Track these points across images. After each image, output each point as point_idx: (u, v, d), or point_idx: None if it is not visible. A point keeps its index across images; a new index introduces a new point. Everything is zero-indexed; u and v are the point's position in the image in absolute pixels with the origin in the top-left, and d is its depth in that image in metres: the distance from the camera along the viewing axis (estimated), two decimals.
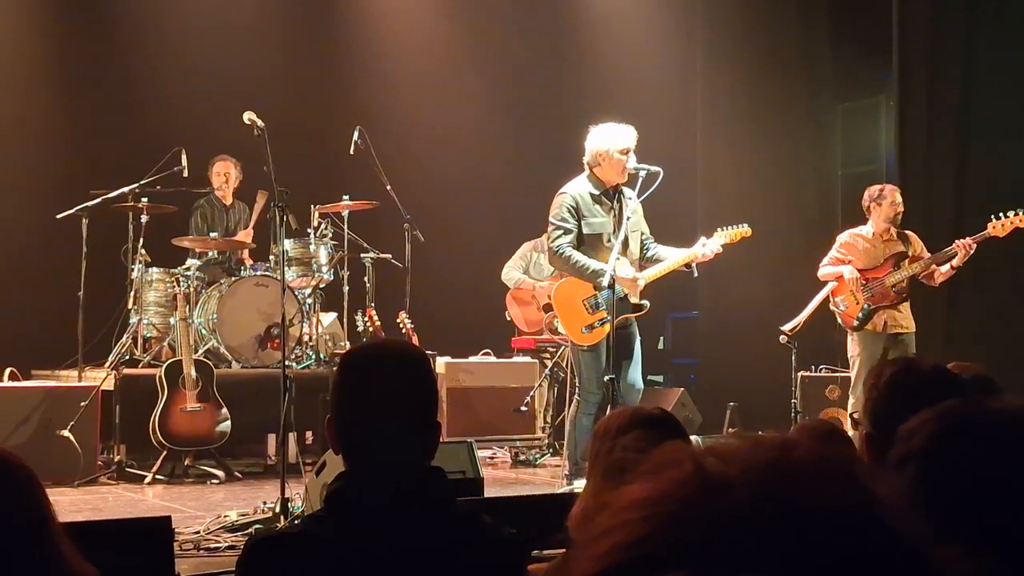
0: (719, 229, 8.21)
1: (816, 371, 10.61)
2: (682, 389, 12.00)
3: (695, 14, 13.77)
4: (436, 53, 13.69)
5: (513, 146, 13.60)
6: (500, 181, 13.30)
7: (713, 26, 13.59)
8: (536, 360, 11.26)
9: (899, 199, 9.25)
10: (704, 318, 13.68)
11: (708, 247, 8.03)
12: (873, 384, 3.07)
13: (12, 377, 9.53)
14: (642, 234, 8.10)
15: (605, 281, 7.62)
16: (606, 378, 7.62)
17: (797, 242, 12.60)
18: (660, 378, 14.10)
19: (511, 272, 11.40)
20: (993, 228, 8.84)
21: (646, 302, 7.98)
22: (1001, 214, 8.85)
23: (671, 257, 8.05)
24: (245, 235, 11.00)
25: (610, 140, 7.87)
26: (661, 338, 14.50)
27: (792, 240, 12.59)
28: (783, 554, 0.81)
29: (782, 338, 9.30)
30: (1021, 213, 8.80)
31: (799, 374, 9.75)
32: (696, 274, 8.22)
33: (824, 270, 9.45)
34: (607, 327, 7.72)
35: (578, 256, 7.77)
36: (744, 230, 8.26)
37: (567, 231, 7.80)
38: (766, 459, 0.87)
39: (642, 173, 7.83)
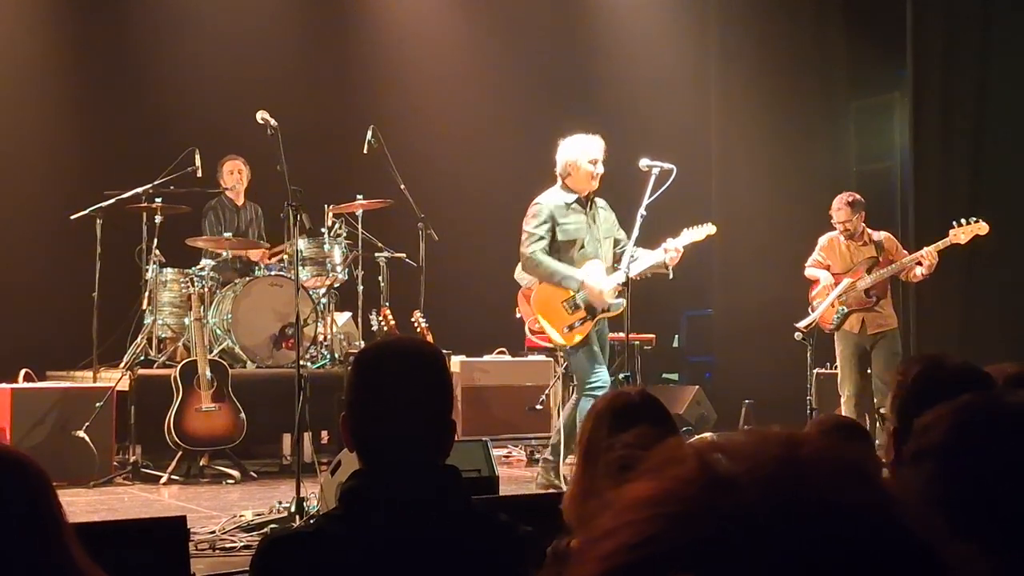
0: (685, 229, 8.33)
1: (831, 368, 10.58)
2: (697, 387, 11.97)
3: (709, 12, 13.75)
4: (450, 52, 13.69)
5: (527, 144, 13.56)
6: (514, 179, 13.25)
7: (727, 24, 13.57)
8: (551, 358, 11.23)
9: (839, 216, 9.41)
10: (719, 316, 13.66)
11: (672, 247, 8.13)
12: (900, 381, 3.06)
13: (27, 378, 9.55)
14: (615, 241, 8.27)
15: (573, 284, 7.95)
16: (621, 375, 7.72)
17: (811, 239, 12.54)
18: (675, 376, 14.08)
19: (523, 272, 11.35)
20: (954, 236, 8.98)
21: (621, 300, 8.07)
22: (963, 220, 8.95)
23: (640, 261, 8.13)
24: (262, 252, 10.97)
25: (578, 150, 8.11)
26: (676, 336, 14.48)
27: (806, 237, 12.49)
28: (793, 553, 0.79)
29: (797, 335, 9.30)
30: (979, 221, 8.94)
31: (814, 371, 9.73)
32: (672, 275, 8.31)
33: (808, 271, 9.73)
34: (588, 325, 7.89)
35: (550, 262, 8.01)
36: (709, 229, 8.44)
37: (540, 238, 8.03)
38: (774, 456, 0.85)
39: (655, 171, 7.87)
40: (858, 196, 9.56)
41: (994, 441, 1.58)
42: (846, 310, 9.33)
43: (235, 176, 11.06)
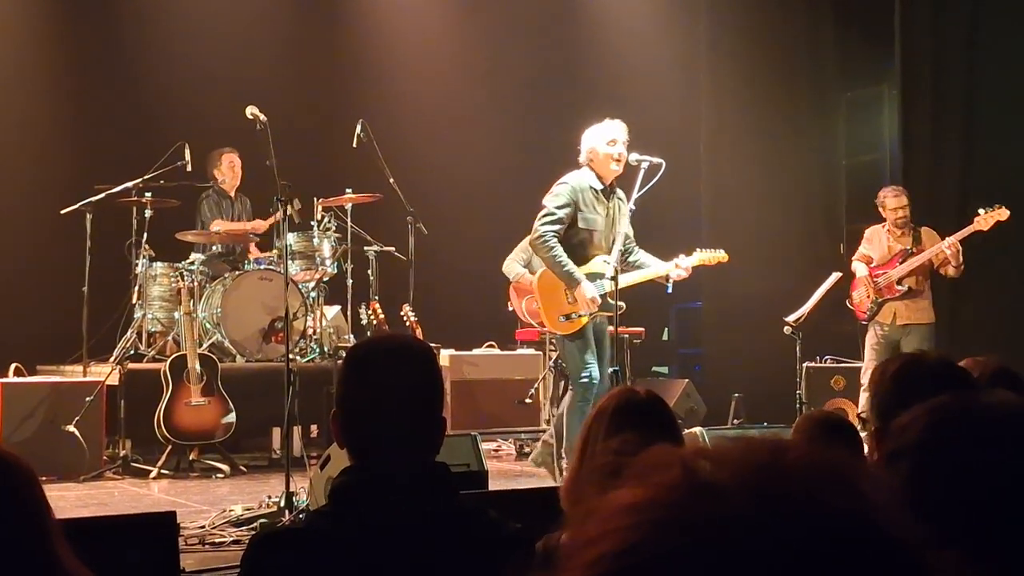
0: (698, 249, 8.26)
1: (821, 361, 10.61)
2: (687, 380, 11.98)
3: (699, 4, 13.73)
4: (439, 46, 13.68)
5: (516, 138, 13.58)
6: (503, 173, 13.28)
7: (717, 16, 13.54)
8: (540, 352, 11.24)
9: (897, 202, 9.55)
10: (708, 308, 13.64)
11: (683, 265, 8.04)
12: (879, 380, 3.07)
13: (17, 372, 9.54)
14: (626, 236, 8.09)
15: (571, 284, 7.77)
16: (610, 370, 7.67)
17: (801, 232, 12.58)
18: (665, 369, 14.09)
19: (512, 265, 11.33)
20: (977, 222, 9.05)
21: (622, 303, 7.99)
22: (988, 207, 9.03)
23: (649, 267, 8.06)
24: (258, 225, 10.95)
25: (597, 135, 7.93)
26: (666, 329, 14.48)
27: (796, 230, 12.58)
28: (776, 560, 0.79)
29: (787, 328, 9.31)
30: (1001, 207, 8.98)
31: (804, 364, 9.74)
32: (671, 290, 8.26)
33: (853, 265, 9.86)
34: (583, 319, 7.78)
35: (560, 252, 7.78)
36: (721, 255, 8.34)
37: (559, 220, 7.79)
38: (758, 462, 0.84)
39: (644, 165, 7.83)
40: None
41: (969, 442, 1.58)
42: (878, 300, 9.46)
43: (234, 168, 11.04)
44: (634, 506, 0.83)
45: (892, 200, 9.58)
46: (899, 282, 9.37)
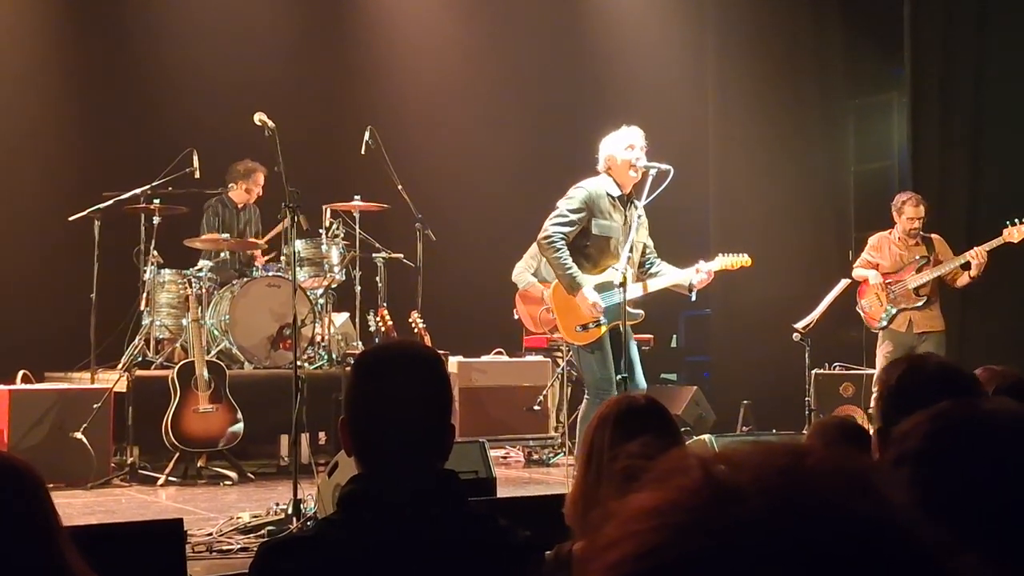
0: (720, 254, 8.16)
1: (830, 368, 10.59)
2: (695, 387, 11.97)
3: (707, 12, 13.74)
4: (448, 52, 13.68)
5: (525, 145, 13.58)
6: (512, 180, 13.28)
7: (725, 24, 13.56)
8: (548, 359, 11.22)
9: (916, 212, 9.51)
10: (717, 315, 13.64)
11: (704, 269, 7.94)
12: (884, 381, 3.07)
13: (25, 379, 9.54)
14: (645, 247, 8.02)
15: (572, 289, 7.63)
16: (618, 377, 7.59)
17: (809, 239, 12.58)
18: (673, 376, 14.07)
19: (522, 274, 11.33)
20: (1008, 234, 8.96)
21: (641, 311, 7.92)
22: (1017, 220, 8.94)
23: (668, 276, 7.98)
24: (258, 253, 10.97)
25: (614, 141, 7.83)
26: (674, 336, 14.48)
27: (805, 237, 12.57)
28: (798, 564, 0.79)
29: (795, 335, 9.30)
30: None
31: (813, 371, 9.73)
32: (694, 298, 8.18)
33: (856, 271, 9.79)
34: (602, 328, 7.68)
35: (565, 255, 7.63)
36: (744, 259, 8.19)
37: (569, 224, 7.68)
38: (778, 466, 0.84)
39: (652, 171, 7.78)
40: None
41: (970, 450, 1.58)
42: (894, 310, 9.46)
43: (258, 187, 11.03)
44: (655, 509, 0.83)
45: (911, 209, 9.50)
46: (917, 291, 9.36)
